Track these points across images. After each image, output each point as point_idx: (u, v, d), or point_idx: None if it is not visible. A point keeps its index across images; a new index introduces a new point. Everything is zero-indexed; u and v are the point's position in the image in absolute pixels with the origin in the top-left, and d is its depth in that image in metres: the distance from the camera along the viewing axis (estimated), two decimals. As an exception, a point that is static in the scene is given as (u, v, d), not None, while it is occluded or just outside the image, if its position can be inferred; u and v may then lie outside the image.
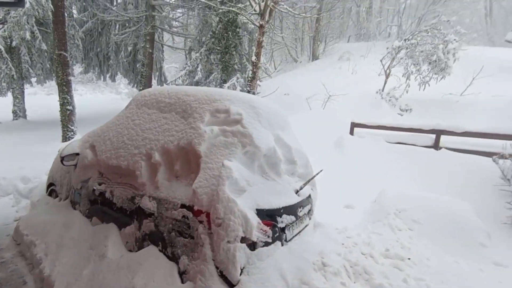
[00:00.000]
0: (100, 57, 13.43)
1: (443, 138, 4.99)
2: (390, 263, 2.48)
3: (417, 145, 5.25)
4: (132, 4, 12.38)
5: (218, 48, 9.70)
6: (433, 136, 5.07)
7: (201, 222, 1.70)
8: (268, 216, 1.82)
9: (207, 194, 1.70)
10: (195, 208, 1.73)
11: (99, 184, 2.31)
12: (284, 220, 1.95)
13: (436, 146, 5.02)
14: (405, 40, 8.60)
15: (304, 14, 12.07)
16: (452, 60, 7.50)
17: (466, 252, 3.00)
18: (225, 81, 9.62)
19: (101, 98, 18.55)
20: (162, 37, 15.30)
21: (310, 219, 2.48)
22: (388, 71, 9.12)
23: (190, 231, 1.73)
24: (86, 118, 9.94)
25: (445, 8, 16.14)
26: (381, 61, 9.43)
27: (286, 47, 18.46)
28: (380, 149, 5.33)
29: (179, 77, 10.70)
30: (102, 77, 14.87)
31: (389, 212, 3.40)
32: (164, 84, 15.02)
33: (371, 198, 3.86)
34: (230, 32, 9.41)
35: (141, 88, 11.81)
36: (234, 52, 9.87)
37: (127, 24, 12.96)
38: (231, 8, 7.71)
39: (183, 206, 1.78)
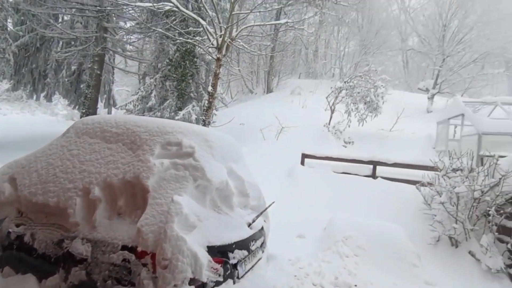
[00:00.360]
0: (35, 74, 12.01)
1: (379, 168, 5.67)
2: (339, 291, 2.57)
3: (359, 175, 5.84)
4: (81, 23, 11.72)
5: (175, 75, 9.66)
6: (371, 166, 5.73)
7: (144, 265, 1.54)
8: (219, 252, 1.75)
9: (154, 232, 1.57)
10: (139, 249, 1.57)
11: (17, 226, 1.93)
12: (236, 255, 1.90)
13: (373, 175, 5.66)
14: (345, 82, 9.95)
15: (259, 52, 13.10)
16: (381, 102, 8.90)
17: (402, 274, 3.30)
18: (180, 109, 9.48)
19: (32, 120, 16.17)
20: (114, 59, 14.62)
21: (263, 252, 2.46)
22: (333, 107, 10.27)
23: (131, 277, 1.54)
24: (9, 143, 8.47)
25: (374, 58, 19.42)
26: (326, 98, 10.60)
27: (243, 78, 19.43)
28: (328, 179, 5.76)
29: (130, 102, 10.14)
30: (35, 96, 13.15)
31: (337, 240, 3.59)
32: (113, 108, 13.99)
33: (321, 226, 4.04)
34: (187, 61, 9.54)
35: (83, 110, 10.77)
36: (190, 81, 9.93)
37: (72, 43, 12.07)
38: (189, 40, 7.93)
39: (124, 247, 1.60)
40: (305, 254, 3.32)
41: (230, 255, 1.84)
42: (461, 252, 3.83)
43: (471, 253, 3.76)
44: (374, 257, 3.52)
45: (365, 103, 9.19)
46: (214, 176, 1.88)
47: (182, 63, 9.50)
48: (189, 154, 1.88)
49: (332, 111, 10.29)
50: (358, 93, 9.43)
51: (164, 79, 10.10)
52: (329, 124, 9.95)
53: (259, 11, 10.50)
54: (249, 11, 7.99)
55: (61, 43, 12.22)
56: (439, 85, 13.74)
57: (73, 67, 12.66)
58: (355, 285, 2.71)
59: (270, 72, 17.94)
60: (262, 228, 2.44)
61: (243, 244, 1.99)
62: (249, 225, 2.17)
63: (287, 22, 9.59)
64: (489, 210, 3.68)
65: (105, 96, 13.70)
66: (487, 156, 4.53)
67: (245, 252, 2.00)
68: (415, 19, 18.16)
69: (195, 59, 9.94)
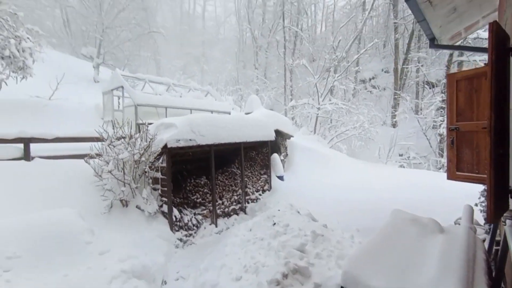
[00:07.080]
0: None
1: (34, 146, 4.45)
2: None
3: (2, 159, 4.15)
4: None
5: None
6: (21, 145, 4.32)
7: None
8: None
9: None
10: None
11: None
12: None
13: (27, 156, 4.34)
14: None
15: None
16: (30, 60, 6.87)
17: (75, 258, 2.99)
18: None
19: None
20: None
21: None
22: None
23: None
24: None
25: (15, -1, 14.35)
26: None
27: None
28: None
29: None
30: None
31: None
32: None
33: None
34: None
35: None
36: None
37: None
38: None
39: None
40: None
41: None
42: (131, 209, 4.38)
43: (137, 206, 4.44)
44: (37, 259, 2.80)
45: (2, 58, 6.51)
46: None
47: None
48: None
49: None
50: (-11, 40, 6.37)
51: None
52: None
53: None
54: None
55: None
56: (103, 55, 13.94)
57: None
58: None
59: None
60: None
61: None
62: None
63: None
64: (145, 168, 4.52)
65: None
66: (141, 124, 5.47)
67: None
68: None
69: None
